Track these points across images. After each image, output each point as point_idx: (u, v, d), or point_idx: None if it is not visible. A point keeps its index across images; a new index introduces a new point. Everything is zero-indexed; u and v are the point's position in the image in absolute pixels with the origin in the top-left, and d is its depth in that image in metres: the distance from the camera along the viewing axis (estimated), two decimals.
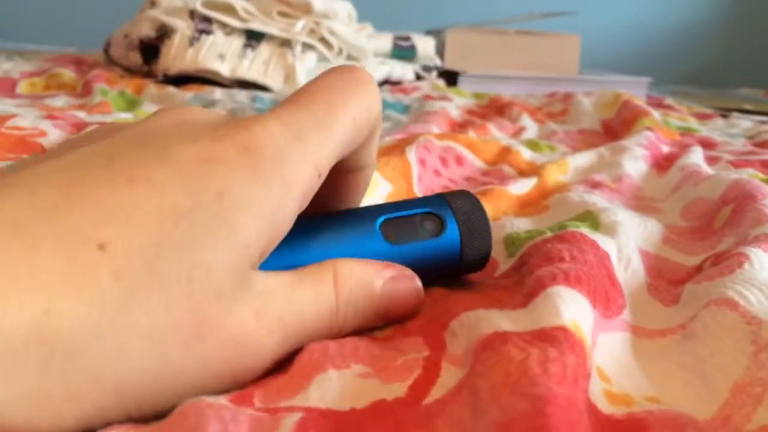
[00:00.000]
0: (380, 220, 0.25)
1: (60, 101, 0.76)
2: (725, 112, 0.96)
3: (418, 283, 0.24)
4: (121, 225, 0.16)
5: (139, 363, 0.16)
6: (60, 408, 0.15)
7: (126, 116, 0.69)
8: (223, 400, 0.18)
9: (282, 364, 0.21)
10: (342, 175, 0.25)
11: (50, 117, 0.59)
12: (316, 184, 0.21)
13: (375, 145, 0.25)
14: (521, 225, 0.36)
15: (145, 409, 0.17)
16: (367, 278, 0.23)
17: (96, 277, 0.16)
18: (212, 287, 0.18)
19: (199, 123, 0.21)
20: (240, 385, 0.19)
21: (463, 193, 0.27)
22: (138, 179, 0.17)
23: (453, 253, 0.26)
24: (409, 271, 0.24)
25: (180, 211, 0.17)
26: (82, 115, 0.65)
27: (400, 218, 0.26)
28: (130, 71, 1.03)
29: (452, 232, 0.26)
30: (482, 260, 0.27)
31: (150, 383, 0.17)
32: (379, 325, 0.24)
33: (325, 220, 0.25)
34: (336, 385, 0.20)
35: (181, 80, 0.94)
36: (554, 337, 0.19)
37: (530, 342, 0.19)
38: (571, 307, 0.22)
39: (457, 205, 0.26)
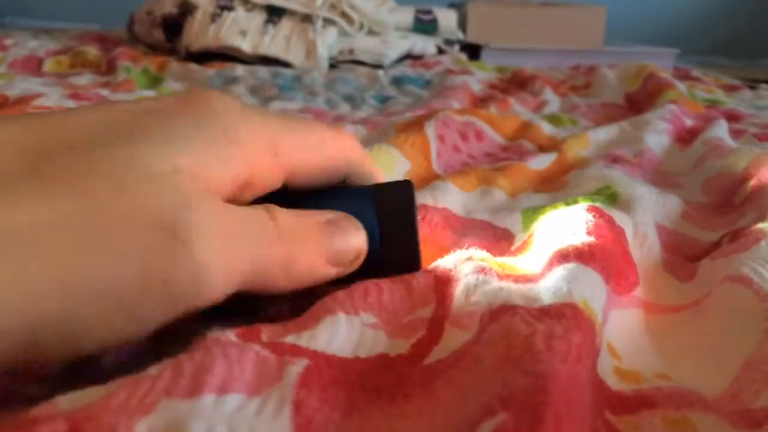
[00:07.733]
0: None
1: (84, 79, 0.77)
2: (754, 84, 0.94)
3: (359, 224, 0.23)
4: None
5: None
6: None
7: (149, 93, 0.69)
8: (230, 334, 0.18)
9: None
10: None
11: (74, 96, 0.60)
12: (270, 162, 0.21)
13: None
14: (539, 201, 0.36)
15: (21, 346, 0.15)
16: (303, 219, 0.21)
17: None
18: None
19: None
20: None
21: (394, 188, 0.25)
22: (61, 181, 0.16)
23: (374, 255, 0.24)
24: (342, 214, 0.23)
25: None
26: (106, 93, 0.66)
27: None
28: (153, 48, 1.04)
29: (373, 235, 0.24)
30: (408, 263, 0.25)
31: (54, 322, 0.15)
32: (332, 274, 0.22)
33: None
34: (344, 329, 0.20)
35: (204, 57, 0.94)
36: (562, 314, 0.19)
37: (538, 318, 0.19)
38: (582, 285, 0.22)
39: (382, 205, 0.24)
